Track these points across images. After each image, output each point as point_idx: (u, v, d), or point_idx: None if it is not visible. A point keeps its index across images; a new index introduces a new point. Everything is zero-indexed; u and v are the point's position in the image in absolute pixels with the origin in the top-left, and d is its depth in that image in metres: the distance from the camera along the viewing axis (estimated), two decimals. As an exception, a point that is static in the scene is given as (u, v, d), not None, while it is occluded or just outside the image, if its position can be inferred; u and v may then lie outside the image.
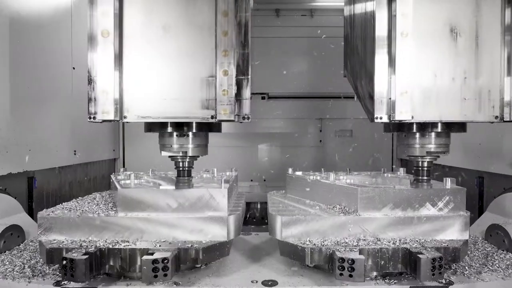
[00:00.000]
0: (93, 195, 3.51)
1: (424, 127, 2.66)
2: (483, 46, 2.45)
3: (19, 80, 3.66)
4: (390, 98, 2.46)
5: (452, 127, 2.62)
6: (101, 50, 2.37)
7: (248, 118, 2.45)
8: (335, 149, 6.48)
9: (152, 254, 2.33)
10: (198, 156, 2.82)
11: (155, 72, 2.47)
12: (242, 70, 2.40)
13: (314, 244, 2.53)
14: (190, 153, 2.75)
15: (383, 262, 2.46)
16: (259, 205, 6.11)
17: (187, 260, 2.50)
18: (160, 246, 2.51)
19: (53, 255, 2.45)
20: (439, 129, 2.59)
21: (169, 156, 2.79)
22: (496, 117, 2.44)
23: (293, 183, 3.44)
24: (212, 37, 2.37)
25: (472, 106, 2.45)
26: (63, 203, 3.06)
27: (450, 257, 2.49)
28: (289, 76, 6.32)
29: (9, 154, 3.48)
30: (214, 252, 2.60)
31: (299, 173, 3.52)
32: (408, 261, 2.42)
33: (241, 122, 2.48)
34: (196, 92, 2.43)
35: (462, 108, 2.45)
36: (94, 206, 2.94)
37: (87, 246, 2.49)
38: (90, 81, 2.38)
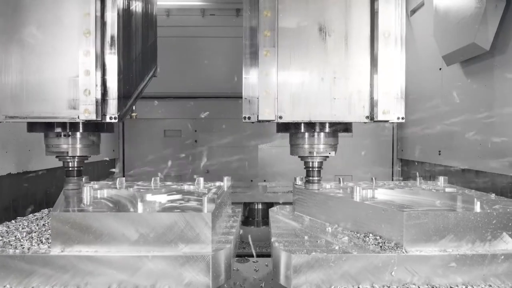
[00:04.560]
0: (40, 213, 2.60)
1: (309, 128, 2.42)
2: (353, 45, 2.30)
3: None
4: (257, 98, 2.30)
5: (333, 127, 2.42)
6: None
7: (116, 118, 2.28)
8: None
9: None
10: (88, 156, 2.55)
11: (23, 71, 2.23)
12: (108, 70, 2.27)
13: (342, 299, 1.63)
14: (78, 153, 2.46)
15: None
16: (259, 205, 5.56)
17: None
18: (108, 302, 1.61)
19: None
20: (317, 130, 2.41)
21: (56, 157, 2.49)
22: (367, 117, 2.30)
23: (304, 197, 2.52)
24: (77, 38, 2.22)
25: (342, 106, 2.30)
26: None
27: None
28: None
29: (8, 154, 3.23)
30: (192, 309, 1.70)
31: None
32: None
33: (108, 122, 2.30)
34: (63, 92, 2.23)
35: (332, 108, 2.30)
36: (28, 234, 2.02)
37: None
38: None
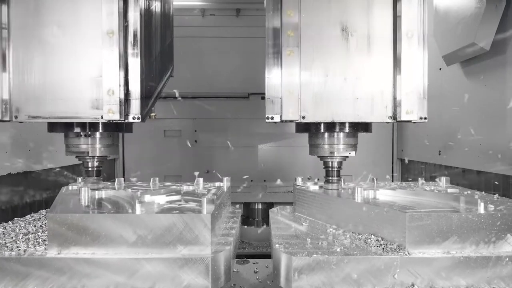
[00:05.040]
0: (38, 214, 2.56)
1: (330, 128, 2.42)
2: (375, 45, 2.29)
3: None
4: (280, 98, 2.29)
5: (354, 127, 2.41)
6: None
7: (139, 118, 2.27)
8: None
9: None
10: (107, 157, 2.51)
11: (45, 72, 2.21)
12: (131, 70, 2.26)
13: (344, 302, 1.59)
14: (97, 153, 2.43)
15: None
16: (259, 205, 5.63)
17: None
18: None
19: None
20: (338, 129, 2.41)
21: (76, 157, 2.47)
22: (390, 117, 2.29)
23: (304, 198, 2.48)
24: (100, 38, 2.20)
25: (365, 106, 2.29)
26: None
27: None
28: None
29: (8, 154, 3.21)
30: (191, 312, 1.66)
31: (312, 185, 2.56)
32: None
33: (132, 122, 2.31)
34: (86, 92, 2.21)
35: (354, 108, 2.29)
36: (24, 235, 1.99)
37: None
38: None
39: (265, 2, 2.37)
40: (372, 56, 2.28)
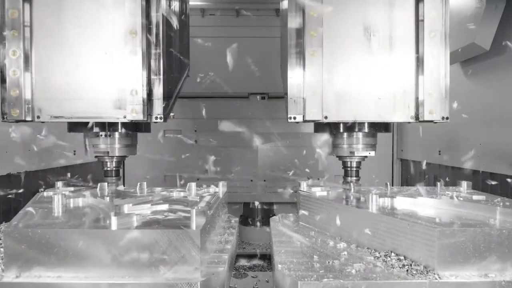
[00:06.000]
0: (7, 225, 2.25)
1: (350, 128, 2.41)
2: (397, 45, 2.28)
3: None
4: (303, 98, 2.28)
5: (374, 127, 2.40)
6: (10, 49, 2.13)
7: (161, 118, 2.26)
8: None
9: None
10: (126, 156, 2.50)
11: (67, 72, 2.19)
12: (154, 70, 2.25)
13: None
14: (116, 153, 2.41)
15: None
16: (259, 205, 5.47)
17: None
18: None
19: None
20: (356, 129, 2.39)
21: (95, 156, 2.44)
22: (412, 117, 2.27)
23: (310, 206, 2.18)
24: (123, 37, 2.18)
25: (387, 106, 2.27)
26: None
27: None
28: None
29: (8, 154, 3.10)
30: None
31: (318, 190, 2.25)
32: None
33: (155, 122, 2.29)
34: (109, 92, 2.18)
35: (376, 108, 2.27)
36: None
37: None
38: (2, 80, 2.14)
39: (287, 2, 2.36)
40: (394, 56, 2.26)
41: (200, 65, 5.52)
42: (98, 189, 2.28)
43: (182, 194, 2.18)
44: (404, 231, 1.59)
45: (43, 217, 1.65)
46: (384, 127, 2.41)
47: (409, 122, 2.30)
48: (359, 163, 2.50)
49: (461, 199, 2.05)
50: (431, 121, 2.22)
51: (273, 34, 5.57)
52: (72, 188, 2.35)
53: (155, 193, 2.23)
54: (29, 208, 1.77)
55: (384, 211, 1.79)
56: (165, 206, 1.83)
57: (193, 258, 1.44)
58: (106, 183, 2.38)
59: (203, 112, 5.50)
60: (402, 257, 1.59)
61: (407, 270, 1.49)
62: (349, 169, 2.49)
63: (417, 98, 2.25)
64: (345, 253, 1.71)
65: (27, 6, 2.13)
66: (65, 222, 1.58)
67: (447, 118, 2.24)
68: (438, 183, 2.43)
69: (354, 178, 2.49)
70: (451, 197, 2.03)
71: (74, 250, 1.45)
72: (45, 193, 2.20)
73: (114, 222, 1.48)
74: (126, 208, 1.68)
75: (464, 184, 2.41)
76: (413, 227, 1.56)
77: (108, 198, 1.92)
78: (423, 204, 1.92)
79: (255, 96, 5.77)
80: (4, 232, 1.47)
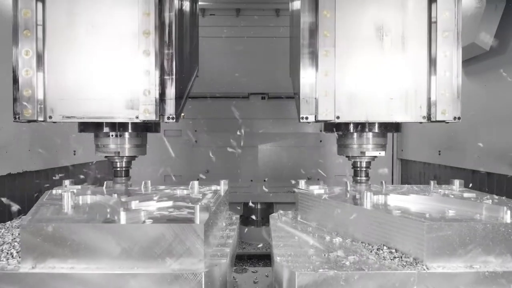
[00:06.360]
0: (19, 221, 2.35)
1: (360, 128, 2.39)
2: (410, 45, 2.27)
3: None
4: (315, 98, 2.28)
5: (385, 127, 2.40)
6: (23, 49, 2.13)
7: (173, 118, 2.27)
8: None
9: None
10: (136, 156, 2.50)
11: (79, 72, 2.19)
12: (166, 70, 2.26)
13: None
14: (126, 153, 2.41)
15: None
16: (259, 205, 5.57)
17: None
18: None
19: None
20: (366, 129, 2.39)
21: (105, 157, 2.45)
22: (424, 117, 2.27)
23: (308, 203, 2.28)
24: (136, 37, 2.18)
25: (399, 106, 2.27)
26: None
27: None
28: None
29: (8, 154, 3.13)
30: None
31: (316, 188, 2.35)
32: None
33: (166, 122, 2.29)
34: (121, 92, 2.19)
35: (388, 108, 2.27)
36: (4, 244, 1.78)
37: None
38: (15, 80, 2.14)
39: (298, 2, 2.37)
40: (406, 56, 2.25)
41: (200, 65, 5.57)
42: (104, 187, 2.38)
43: (185, 192, 2.27)
44: (396, 225, 1.69)
45: (55, 213, 1.74)
46: (395, 127, 2.41)
47: (420, 122, 2.29)
48: (369, 163, 2.49)
49: (452, 196, 2.15)
50: (443, 121, 2.23)
51: (273, 34, 5.70)
52: (79, 186, 2.44)
53: (160, 191, 2.33)
54: (42, 204, 1.86)
55: (377, 208, 1.89)
56: (169, 203, 1.93)
57: (197, 250, 1.54)
58: (111, 181, 2.47)
59: (203, 112, 5.53)
60: (393, 250, 1.69)
61: (398, 262, 1.59)
62: (358, 169, 2.48)
63: (429, 98, 2.24)
64: (341, 247, 1.81)
65: (40, 5, 2.13)
66: (77, 217, 1.68)
67: (459, 118, 2.23)
68: (432, 182, 2.53)
69: (364, 178, 2.48)
70: (443, 195, 2.13)
71: (86, 243, 1.54)
72: (53, 191, 2.30)
73: (123, 217, 1.57)
74: (134, 204, 1.78)
75: (457, 182, 2.51)
76: (403, 222, 1.66)
77: (115, 195, 2.02)
78: (414, 201, 2.02)
79: (255, 96, 5.79)
80: (21, 226, 1.56)
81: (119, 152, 2.38)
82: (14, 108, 2.14)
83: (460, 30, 2.22)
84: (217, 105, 5.61)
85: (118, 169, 2.47)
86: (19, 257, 1.61)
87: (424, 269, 1.53)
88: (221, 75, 5.60)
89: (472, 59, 3.47)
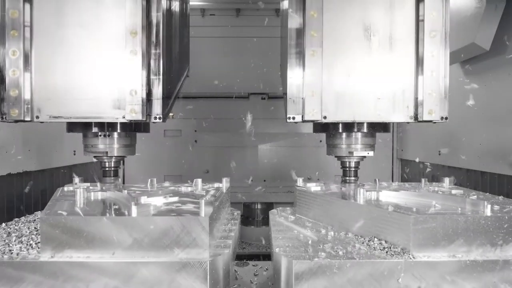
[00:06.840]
0: (33, 216, 2.49)
1: (349, 128, 2.40)
2: (397, 45, 2.27)
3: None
4: (302, 98, 2.28)
5: (373, 127, 2.40)
6: (10, 49, 2.11)
7: (160, 118, 2.26)
8: None
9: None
10: (125, 156, 2.49)
11: (66, 72, 2.17)
12: (153, 70, 2.24)
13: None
14: (115, 153, 2.40)
15: None
16: (258, 205, 5.60)
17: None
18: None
19: None
20: (355, 129, 2.40)
21: (94, 157, 2.45)
22: (411, 117, 2.27)
23: (305, 200, 2.42)
24: (123, 37, 2.16)
25: (386, 106, 2.27)
26: None
27: None
28: None
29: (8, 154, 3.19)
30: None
31: (313, 186, 2.49)
32: None
33: (153, 122, 2.29)
34: (108, 92, 2.17)
35: (376, 108, 2.27)
36: (17, 238, 1.92)
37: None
38: (2, 80, 2.12)
39: (287, 2, 2.36)
40: (394, 56, 2.26)
41: (200, 65, 5.61)
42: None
43: (189, 189, 2.41)
44: (385, 219, 1.83)
45: (71, 207, 1.88)
46: (383, 127, 2.41)
47: (408, 122, 2.30)
48: (357, 163, 2.51)
49: (440, 193, 2.29)
50: (430, 121, 2.24)
51: (273, 34, 5.53)
52: (88, 184, 2.58)
53: (165, 188, 2.46)
54: (57, 199, 2.00)
55: (369, 203, 2.03)
56: (175, 198, 2.06)
57: (202, 241, 1.67)
58: (119, 180, 2.60)
59: (203, 112, 5.57)
60: (383, 241, 1.83)
61: (387, 252, 1.72)
62: (347, 169, 2.50)
63: (416, 98, 2.25)
64: (335, 239, 1.95)
65: (27, 6, 2.12)
66: (91, 210, 1.82)
67: (446, 118, 2.23)
68: (423, 179, 2.67)
69: (353, 178, 2.50)
70: (432, 191, 2.27)
71: (101, 234, 1.68)
72: (65, 188, 2.44)
73: (134, 210, 1.71)
74: (143, 199, 1.92)
75: (447, 180, 2.64)
76: (392, 215, 1.80)
77: (125, 191, 2.15)
78: (404, 197, 2.16)
79: (255, 96, 5.81)
80: (41, 219, 1.70)
81: (107, 152, 2.38)
82: (1, 108, 2.13)
83: (448, 30, 2.23)
84: (217, 105, 5.65)
85: (107, 169, 2.47)
86: (38, 248, 1.74)
87: (411, 258, 1.67)
88: (221, 75, 5.59)
89: (472, 59, 3.49)
